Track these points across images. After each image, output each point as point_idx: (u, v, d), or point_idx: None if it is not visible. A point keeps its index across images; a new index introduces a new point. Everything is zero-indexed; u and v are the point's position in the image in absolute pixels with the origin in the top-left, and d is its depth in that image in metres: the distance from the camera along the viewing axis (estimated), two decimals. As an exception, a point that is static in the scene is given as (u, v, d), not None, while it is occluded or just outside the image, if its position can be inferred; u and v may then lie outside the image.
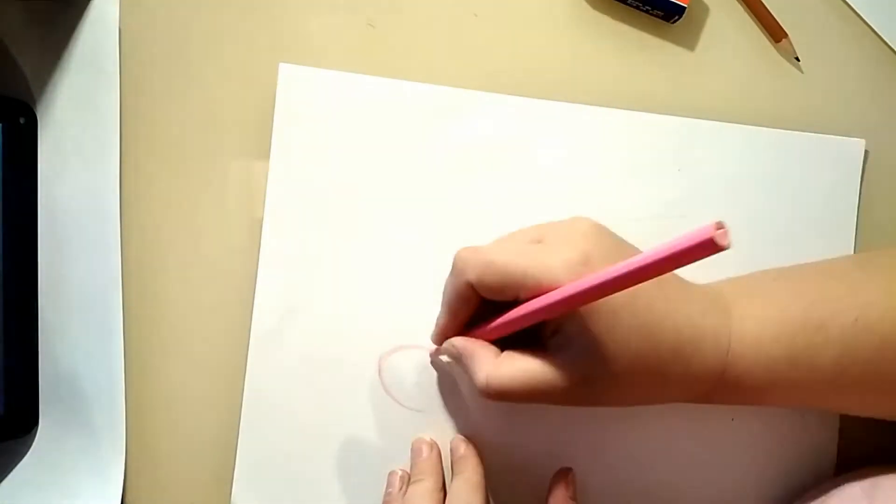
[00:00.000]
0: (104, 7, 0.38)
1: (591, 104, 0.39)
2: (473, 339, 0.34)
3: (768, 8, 0.40)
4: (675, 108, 0.40)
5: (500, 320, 0.32)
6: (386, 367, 0.38)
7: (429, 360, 0.38)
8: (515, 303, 0.31)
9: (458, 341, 0.34)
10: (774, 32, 0.40)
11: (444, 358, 0.36)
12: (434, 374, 0.38)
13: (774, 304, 0.33)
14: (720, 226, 0.23)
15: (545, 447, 0.38)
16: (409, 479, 0.37)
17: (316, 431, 0.38)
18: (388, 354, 0.38)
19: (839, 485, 0.35)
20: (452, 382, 0.38)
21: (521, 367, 0.31)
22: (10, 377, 0.38)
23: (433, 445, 0.37)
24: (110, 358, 0.38)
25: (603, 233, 0.32)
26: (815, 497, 0.36)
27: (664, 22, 0.40)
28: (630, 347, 0.31)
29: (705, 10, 0.41)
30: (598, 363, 0.30)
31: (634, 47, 0.40)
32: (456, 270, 0.33)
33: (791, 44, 0.40)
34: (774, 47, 0.41)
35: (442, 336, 0.36)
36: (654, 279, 0.30)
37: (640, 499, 0.39)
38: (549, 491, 0.36)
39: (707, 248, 0.23)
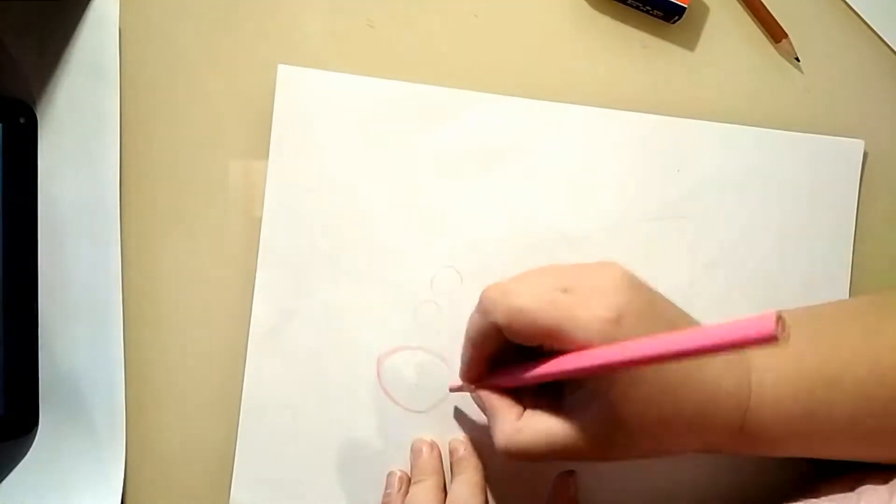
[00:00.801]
0: (104, 7, 0.38)
1: (590, 105, 0.39)
2: (496, 395, 0.34)
3: (768, 8, 0.40)
4: (675, 108, 0.40)
5: (527, 374, 0.32)
6: (385, 367, 0.38)
7: (427, 360, 0.38)
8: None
9: (484, 395, 0.34)
10: (774, 32, 0.40)
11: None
12: (433, 374, 0.38)
13: (791, 356, 0.32)
14: (780, 317, 0.21)
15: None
16: (409, 479, 0.37)
17: (315, 432, 0.38)
18: (387, 355, 0.38)
19: (862, 481, 0.35)
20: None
21: (541, 431, 0.31)
22: (10, 377, 0.38)
23: (433, 446, 0.37)
24: (110, 358, 0.38)
25: (634, 286, 0.31)
26: (845, 488, 0.35)
27: (664, 22, 0.40)
28: (653, 409, 0.30)
29: (705, 10, 0.41)
30: (620, 425, 0.30)
31: (634, 47, 0.40)
32: (482, 310, 0.32)
33: (791, 44, 0.40)
34: (774, 47, 0.41)
35: (467, 369, 0.35)
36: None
37: (640, 500, 0.39)
38: (551, 492, 0.36)
39: (764, 340, 0.21)
